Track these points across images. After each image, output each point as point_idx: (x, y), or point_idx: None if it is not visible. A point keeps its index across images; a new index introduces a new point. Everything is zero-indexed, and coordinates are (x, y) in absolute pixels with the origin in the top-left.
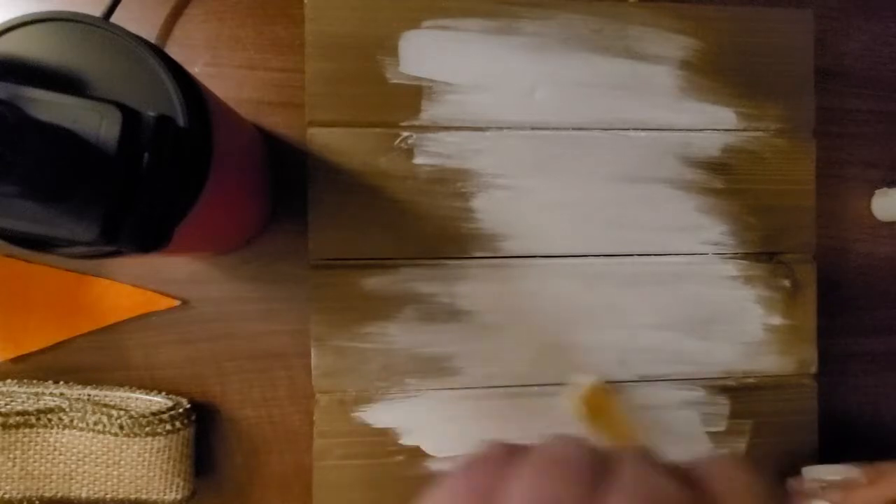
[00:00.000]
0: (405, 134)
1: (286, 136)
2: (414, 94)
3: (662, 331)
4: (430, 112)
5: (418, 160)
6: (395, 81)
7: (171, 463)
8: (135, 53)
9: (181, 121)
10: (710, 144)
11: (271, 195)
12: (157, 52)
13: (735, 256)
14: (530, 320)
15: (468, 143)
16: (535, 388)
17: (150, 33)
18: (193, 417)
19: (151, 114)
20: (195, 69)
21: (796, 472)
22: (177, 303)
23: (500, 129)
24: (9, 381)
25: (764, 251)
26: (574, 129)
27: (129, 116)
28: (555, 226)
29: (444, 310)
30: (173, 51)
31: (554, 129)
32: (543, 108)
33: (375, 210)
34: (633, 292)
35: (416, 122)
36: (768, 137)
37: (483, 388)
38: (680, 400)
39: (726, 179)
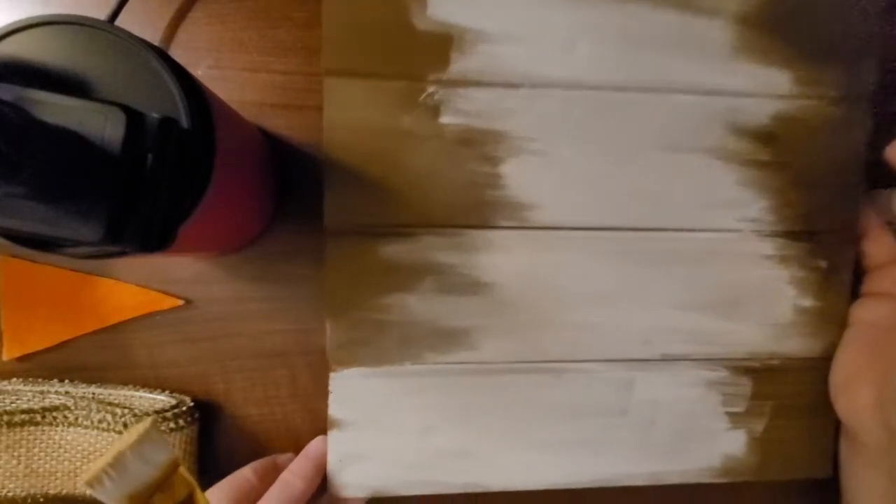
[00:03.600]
0: (431, 89)
1: (288, 137)
2: (443, 44)
3: (690, 310)
4: (460, 65)
5: (444, 119)
6: (422, 28)
7: None
8: (139, 56)
9: (184, 122)
10: (761, 111)
11: (274, 196)
12: (161, 54)
13: (773, 234)
14: (554, 295)
15: (499, 101)
16: (557, 364)
17: (153, 36)
18: (197, 415)
19: (155, 116)
20: (198, 72)
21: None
22: (181, 302)
23: (535, 86)
24: (14, 379)
25: (803, 229)
26: (614, 89)
27: (133, 118)
28: (586, 196)
29: (465, 282)
30: (177, 54)
31: (593, 88)
32: (583, 64)
33: (395, 173)
34: (663, 269)
35: (444, 77)
36: (823, 105)
37: (503, 363)
38: (701, 380)
39: (773, 151)
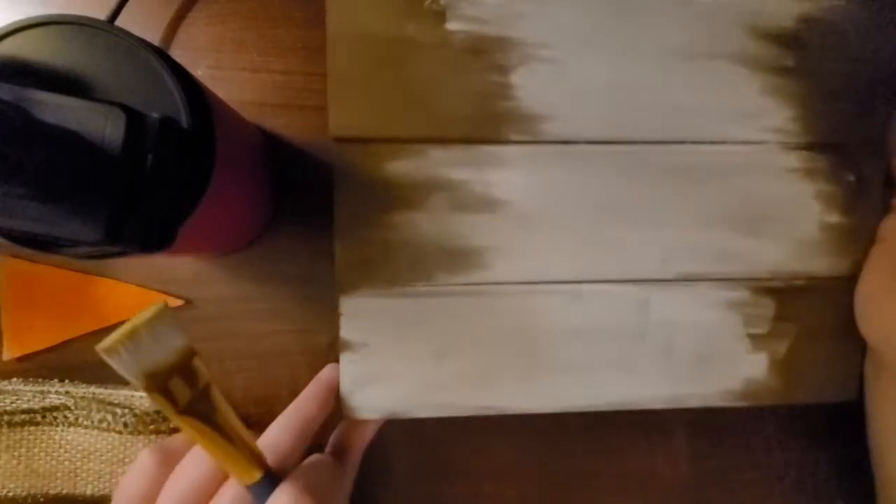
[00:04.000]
0: None
1: (288, 137)
2: None
3: (709, 227)
4: None
5: (451, 25)
6: None
7: None
8: (139, 56)
9: (184, 122)
10: (785, 13)
11: (274, 196)
12: (161, 54)
13: (798, 146)
14: (569, 212)
15: (508, 5)
16: (572, 285)
17: (154, 36)
18: None
19: (155, 115)
20: (198, 72)
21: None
22: (180, 302)
23: None
24: (14, 379)
25: (830, 141)
26: None
27: (134, 118)
28: (601, 107)
29: (476, 199)
30: (177, 54)
31: None
32: None
33: (401, 83)
34: (681, 183)
35: None
36: (852, 6)
37: (517, 283)
38: (722, 300)
39: (798, 56)
